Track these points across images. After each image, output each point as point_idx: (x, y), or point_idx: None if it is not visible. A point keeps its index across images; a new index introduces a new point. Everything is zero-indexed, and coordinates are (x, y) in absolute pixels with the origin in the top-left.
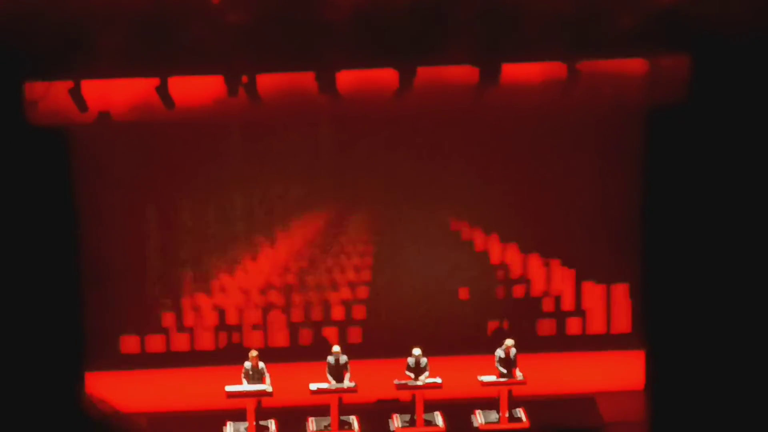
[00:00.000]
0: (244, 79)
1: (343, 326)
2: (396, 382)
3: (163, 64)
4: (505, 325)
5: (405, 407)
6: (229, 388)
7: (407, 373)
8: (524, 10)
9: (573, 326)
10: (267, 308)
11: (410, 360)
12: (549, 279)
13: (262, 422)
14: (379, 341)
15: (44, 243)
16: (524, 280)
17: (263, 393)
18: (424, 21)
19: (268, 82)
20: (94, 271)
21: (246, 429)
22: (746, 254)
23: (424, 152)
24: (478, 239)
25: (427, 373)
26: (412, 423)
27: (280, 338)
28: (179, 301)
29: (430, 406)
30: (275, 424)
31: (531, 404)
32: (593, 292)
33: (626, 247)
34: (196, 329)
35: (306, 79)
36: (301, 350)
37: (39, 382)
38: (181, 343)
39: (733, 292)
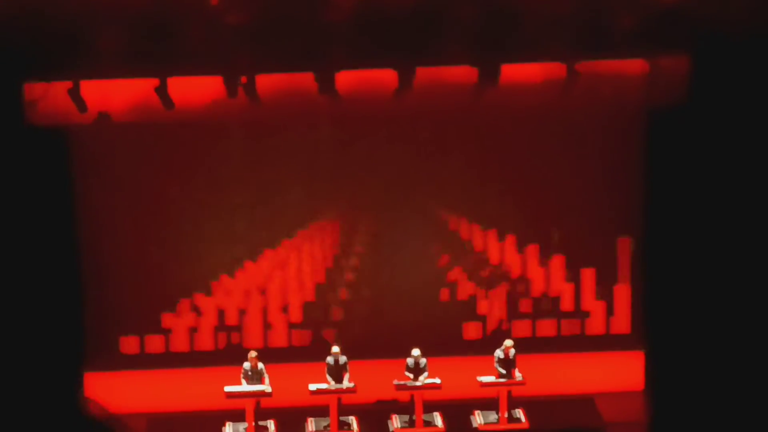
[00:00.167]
0: (243, 79)
1: (342, 326)
2: (395, 382)
3: (162, 64)
4: (504, 325)
5: (404, 408)
6: (228, 389)
7: (406, 373)
8: (524, 11)
9: (572, 327)
10: (267, 308)
11: (409, 360)
12: (549, 279)
13: (261, 423)
14: (379, 342)
15: (44, 243)
16: (524, 279)
17: (262, 393)
18: (423, 21)
19: (267, 82)
20: (94, 271)
21: (245, 429)
22: (746, 255)
23: (424, 152)
24: (478, 239)
25: (426, 374)
26: (411, 423)
27: (279, 339)
28: (179, 301)
29: (430, 407)
30: (274, 424)
31: (530, 405)
32: (593, 293)
33: (626, 248)
34: (195, 330)
35: (305, 80)
36: (301, 351)
37: (39, 382)
38: (180, 343)
39: (733, 293)
